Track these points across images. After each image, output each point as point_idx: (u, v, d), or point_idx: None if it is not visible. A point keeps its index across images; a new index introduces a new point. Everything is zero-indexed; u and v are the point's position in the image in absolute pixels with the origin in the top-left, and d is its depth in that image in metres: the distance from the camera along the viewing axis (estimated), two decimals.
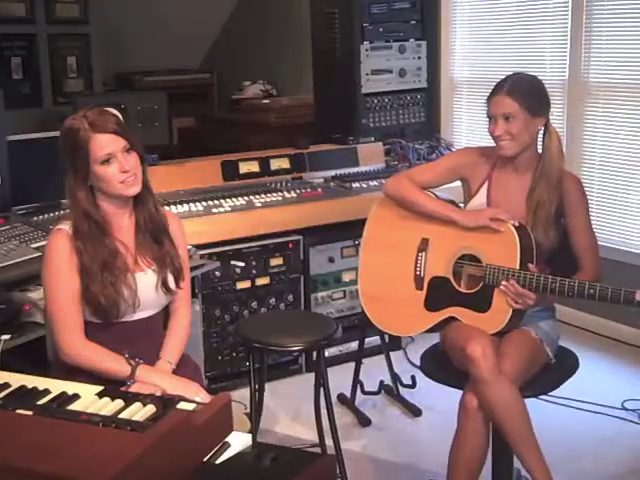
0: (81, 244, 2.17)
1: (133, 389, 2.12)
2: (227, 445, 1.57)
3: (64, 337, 2.18)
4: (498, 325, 2.47)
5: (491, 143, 2.62)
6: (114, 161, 2.14)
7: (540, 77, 4.20)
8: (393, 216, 2.76)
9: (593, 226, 4.04)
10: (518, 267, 2.43)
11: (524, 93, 2.53)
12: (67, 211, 2.27)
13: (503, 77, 2.59)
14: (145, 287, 2.24)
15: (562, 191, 2.55)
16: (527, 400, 2.55)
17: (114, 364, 2.17)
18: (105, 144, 2.13)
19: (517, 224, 2.47)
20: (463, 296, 2.55)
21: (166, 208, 2.75)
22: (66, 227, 2.20)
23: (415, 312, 2.65)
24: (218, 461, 1.52)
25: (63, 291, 2.17)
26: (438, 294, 2.61)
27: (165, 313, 2.38)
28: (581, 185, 2.63)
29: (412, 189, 2.68)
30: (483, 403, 2.38)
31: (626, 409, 3.36)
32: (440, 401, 3.30)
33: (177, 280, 2.30)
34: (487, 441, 2.43)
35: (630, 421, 3.30)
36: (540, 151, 2.60)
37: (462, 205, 2.75)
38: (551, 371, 2.56)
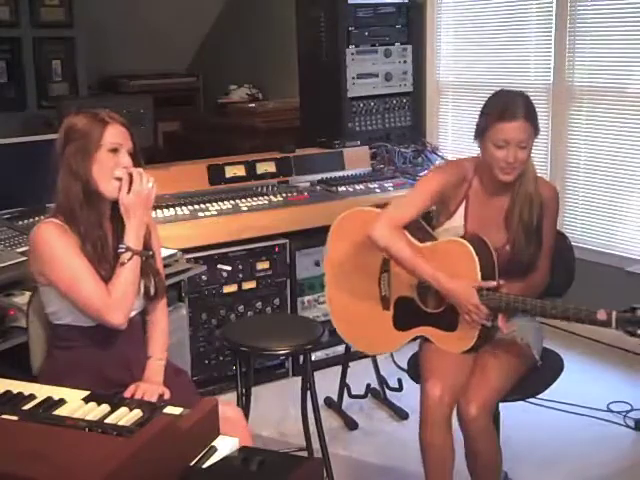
0: (76, 229, 2.15)
1: (140, 391, 2.13)
2: (214, 449, 1.57)
3: (107, 310, 2.12)
4: (467, 343, 2.46)
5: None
6: (119, 155, 2.17)
7: (525, 81, 4.33)
8: (354, 235, 2.68)
9: (578, 229, 4.12)
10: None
11: (534, 115, 2.44)
12: (51, 213, 2.25)
13: (502, 96, 2.48)
14: None
15: (541, 201, 2.52)
16: (514, 403, 2.57)
17: (132, 274, 2.16)
18: (119, 135, 2.18)
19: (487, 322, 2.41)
20: (430, 316, 2.53)
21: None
22: (54, 221, 2.17)
23: (385, 332, 2.64)
24: (205, 465, 1.52)
25: (84, 269, 2.12)
26: (406, 314, 2.59)
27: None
28: (557, 194, 2.60)
29: (399, 246, 2.49)
30: (421, 439, 2.41)
31: (611, 411, 3.38)
32: None
33: (158, 293, 2.30)
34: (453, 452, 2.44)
35: (615, 423, 3.32)
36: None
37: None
38: (537, 373, 2.57)
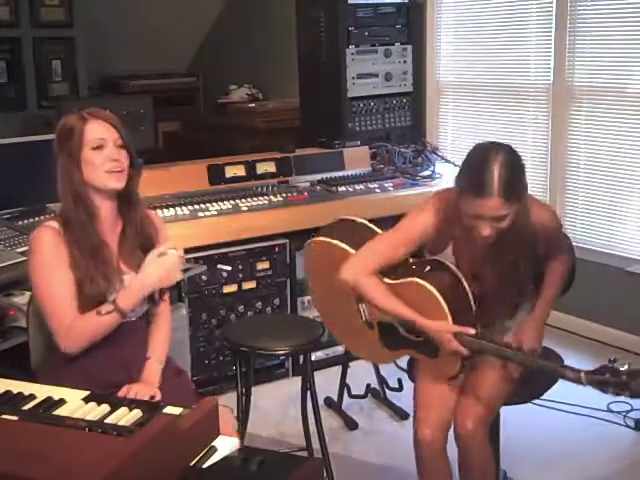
0: (70, 235, 2.16)
1: (132, 392, 2.13)
2: (214, 449, 1.57)
3: (62, 333, 2.14)
4: (452, 371, 2.39)
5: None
6: (105, 149, 2.17)
7: (525, 81, 4.32)
8: (325, 267, 2.57)
9: (578, 229, 4.12)
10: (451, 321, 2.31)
11: (514, 188, 2.20)
12: (52, 215, 2.26)
13: (479, 162, 2.21)
14: None
15: (535, 230, 2.37)
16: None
17: (103, 325, 2.15)
18: (100, 130, 2.18)
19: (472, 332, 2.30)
20: (412, 342, 2.46)
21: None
22: (53, 224, 2.19)
23: (375, 348, 2.58)
24: (205, 465, 1.52)
25: (59, 282, 2.13)
26: (390, 336, 2.51)
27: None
28: (554, 216, 2.46)
29: (370, 289, 2.40)
30: (418, 471, 2.42)
31: (612, 411, 3.38)
32: None
33: (162, 292, 2.30)
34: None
35: (616, 423, 3.32)
36: None
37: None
38: (538, 375, 2.56)
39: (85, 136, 2.16)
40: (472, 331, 2.28)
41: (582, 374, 2.07)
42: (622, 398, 3.36)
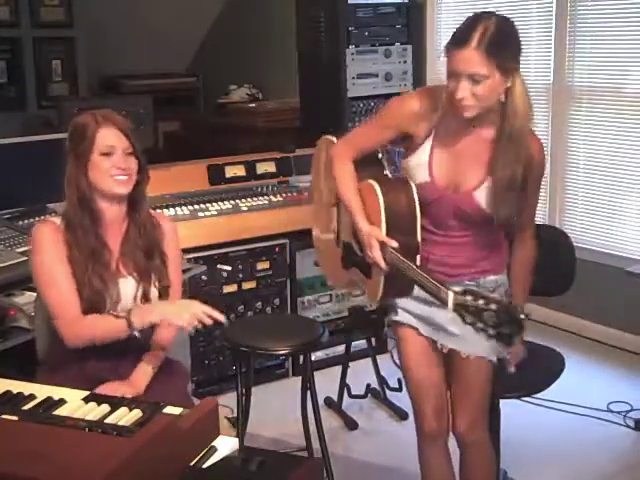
0: (71, 236, 2.18)
1: (111, 388, 2.12)
2: (214, 449, 1.57)
3: (66, 323, 2.16)
4: (377, 292, 2.28)
5: None
6: (113, 156, 2.19)
7: (525, 81, 4.30)
8: (320, 164, 2.63)
9: (578, 229, 4.12)
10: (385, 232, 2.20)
11: (499, 48, 2.00)
12: (53, 214, 2.27)
13: (468, 19, 2.05)
14: (124, 294, 2.23)
15: (527, 155, 2.15)
16: (514, 401, 2.57)
17: (110, 327, 2.16)
18: (110, 137, 2.20)
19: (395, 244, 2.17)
20: (358, 258, 2.37)
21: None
22: (55, 220, 2.22)
23: (337, 267, 2.54)
24: (205, 465, 1.52)
25: (62, 276, 2.16)
26: (348, 254, 2.47)
27: None
28: (544, 154, 2.25)
29: (339, 168, 2.39)
30: (422, 463, 2.43)
31: (611, 411, 3.38)
32: None
33: (161, 296, 2.30)
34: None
35: (615, 423, 3.32)
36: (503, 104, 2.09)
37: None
38: (538, 372, 2.57)
39: (96, 141, 2.18)
40: (394, 244, 2.15)
41: (450, 295, 1.89)
42: (622, 398, 3.41)
